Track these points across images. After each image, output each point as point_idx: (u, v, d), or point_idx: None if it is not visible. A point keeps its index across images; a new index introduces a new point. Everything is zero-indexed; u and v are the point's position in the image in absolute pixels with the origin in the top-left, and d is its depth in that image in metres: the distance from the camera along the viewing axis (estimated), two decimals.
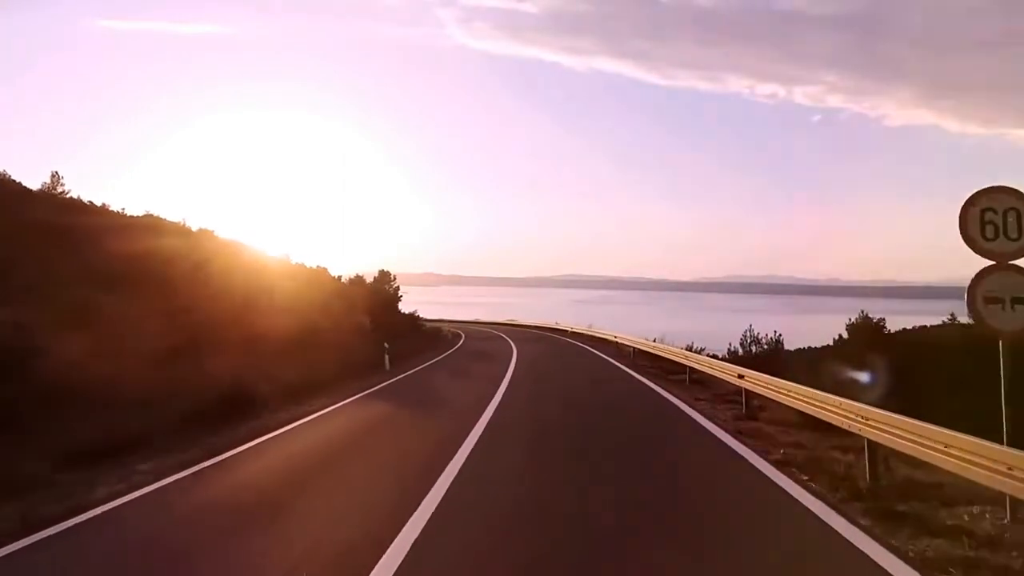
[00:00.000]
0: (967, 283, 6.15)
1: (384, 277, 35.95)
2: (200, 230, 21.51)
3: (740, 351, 19.77)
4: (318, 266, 30.26)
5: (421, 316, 79.54)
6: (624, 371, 19.23)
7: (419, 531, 5.31)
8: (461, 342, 35.73)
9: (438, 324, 53.17)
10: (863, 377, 10.79)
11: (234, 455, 8.85)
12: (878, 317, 19.98)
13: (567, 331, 41.69)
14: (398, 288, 36.65)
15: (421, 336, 34.73)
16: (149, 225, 17.88)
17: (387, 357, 19.81)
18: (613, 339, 28.29)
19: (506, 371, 18.93)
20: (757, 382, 10.48)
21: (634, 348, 23.61)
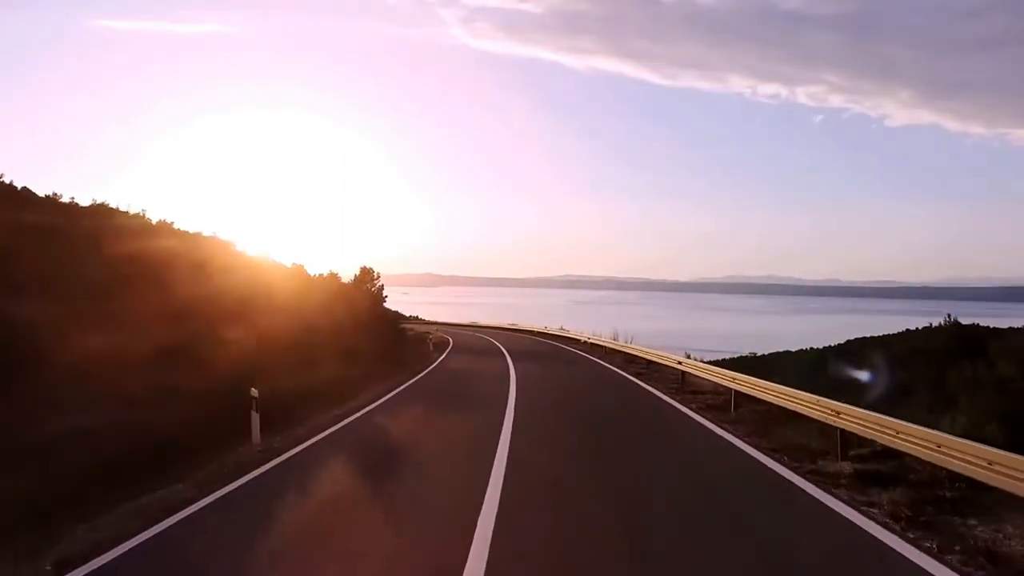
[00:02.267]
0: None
1: (366, 275, 33.45)
2: (160, 222, 21.12)
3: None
4: (294, 264, 27.95)
5: (418, 318, 79.32)
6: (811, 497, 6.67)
7: None
8: (439, 359, 25.31)
9: (429, 328, 48.10)
10: None
11: None
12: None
13: (580, 340, 30.89)
14: (382, 288, 33.96)
15: (394, 347, 25.71)
16: (93, 217, 17.09)
17: (255, 417, 9.78)
18: (676, 365, 16.56)
19: (491, 464, 8.09)
20: None
21: (734, 391, 12.27)
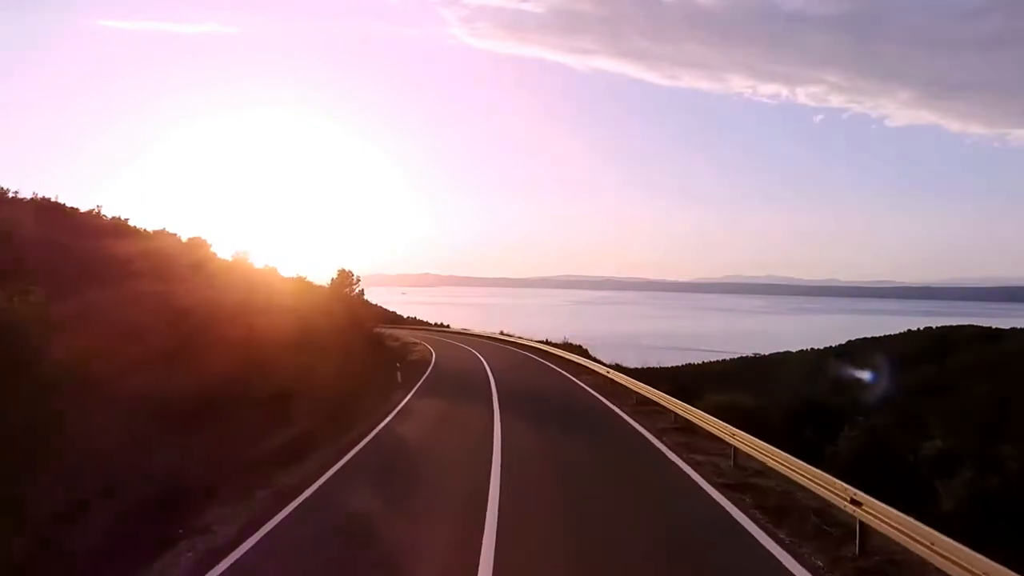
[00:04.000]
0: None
1: (344, 278, 30.35)
2: (114, 219, 21.32)
3: None
4: (266, 266, 26.67)
5: (415, 319, 79.03)
6: None
7: None
8: (399, 407, 16.68)
9: (417, 336, 44.57)
10: None
11: None
12: None
13: (607, 376, 20.13)
14: (362, 292, 31.01)
15: (352, 379, 18.80)
16: (31, 212, 16.98)
17: None
18: (848, 507, 6.90)
19: None
20: None
21: None
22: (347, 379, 18.24)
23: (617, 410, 15.93)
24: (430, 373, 24.29)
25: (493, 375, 23.06)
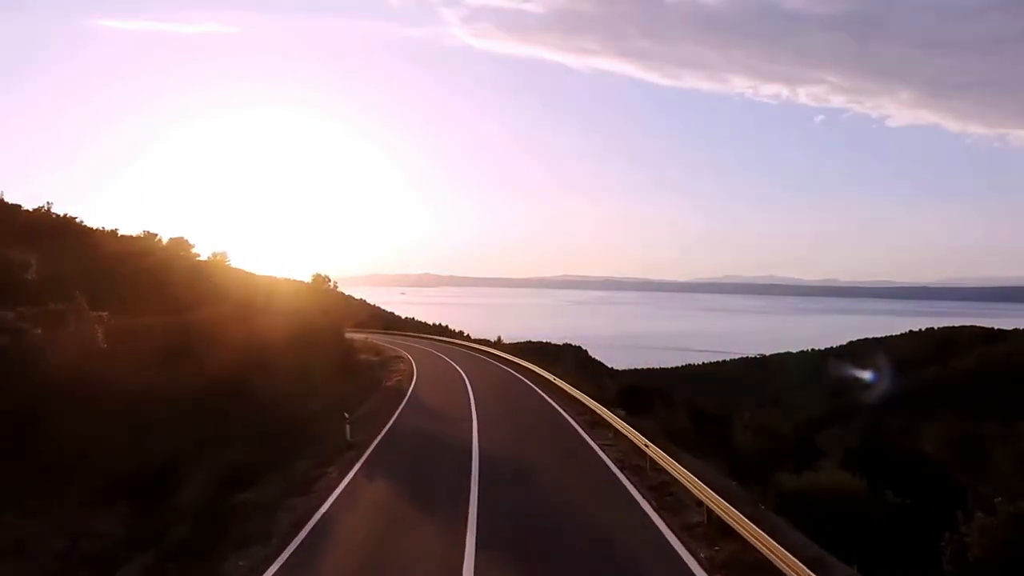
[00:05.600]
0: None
1: (320, 282, 30.01)
2: (62, 216, 21.98)
3: None
4: (238, 267, 27.41)
5: (414, 319, 78.13)
6: None
7: None
8: (284, 554, 8.37)
9: (409, 348, 41.00)
10: None
11: None
12: None
13: (640, 448, 12.95)
14: (340, 297, 29.96)
15: (271, 433, 14.55)
16: None
17: None
18: None
19: None
20: None
21: None
22: (271, 439, 13.50)
23: (680, 550, 8.39)
24: (396, 421, 18.77)
25: (479, 430, 17.08)
